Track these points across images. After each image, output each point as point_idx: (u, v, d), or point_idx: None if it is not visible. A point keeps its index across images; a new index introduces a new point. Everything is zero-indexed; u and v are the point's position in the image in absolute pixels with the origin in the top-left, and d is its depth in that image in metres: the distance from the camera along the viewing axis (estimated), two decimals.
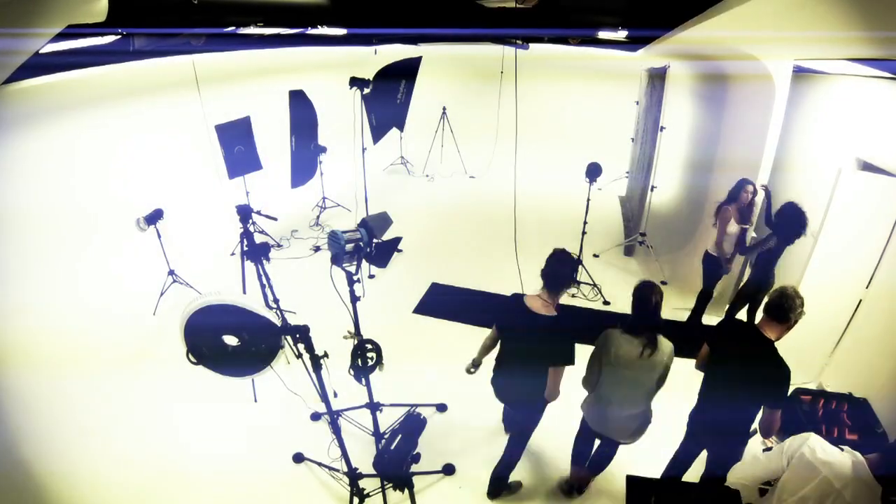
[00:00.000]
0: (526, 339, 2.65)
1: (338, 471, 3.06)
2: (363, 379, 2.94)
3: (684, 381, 3.72)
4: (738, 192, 4.30)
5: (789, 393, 2.44)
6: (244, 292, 3.96)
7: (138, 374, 4.06)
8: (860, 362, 3.53)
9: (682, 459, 2.87)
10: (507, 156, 5.41)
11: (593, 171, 4.93)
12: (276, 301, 4.01)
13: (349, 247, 2.55)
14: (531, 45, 6.57)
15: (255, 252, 3.73)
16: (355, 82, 5.28)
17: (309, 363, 2.34)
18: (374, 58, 7.36)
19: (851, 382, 3.33)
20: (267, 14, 3.72)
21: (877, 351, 3.41)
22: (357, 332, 2.80)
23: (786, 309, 2.30)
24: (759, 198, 4.42)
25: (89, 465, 3.27)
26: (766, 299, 2.42)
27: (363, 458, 3.23)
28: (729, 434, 2.56)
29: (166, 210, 4.76)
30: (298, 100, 6.36)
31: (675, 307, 5.03)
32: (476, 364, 3.09)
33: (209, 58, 5.35)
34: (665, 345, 2.61)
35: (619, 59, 7.47)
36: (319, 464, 3.25)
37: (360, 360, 2.84)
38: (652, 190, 6.09)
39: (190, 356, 2.16)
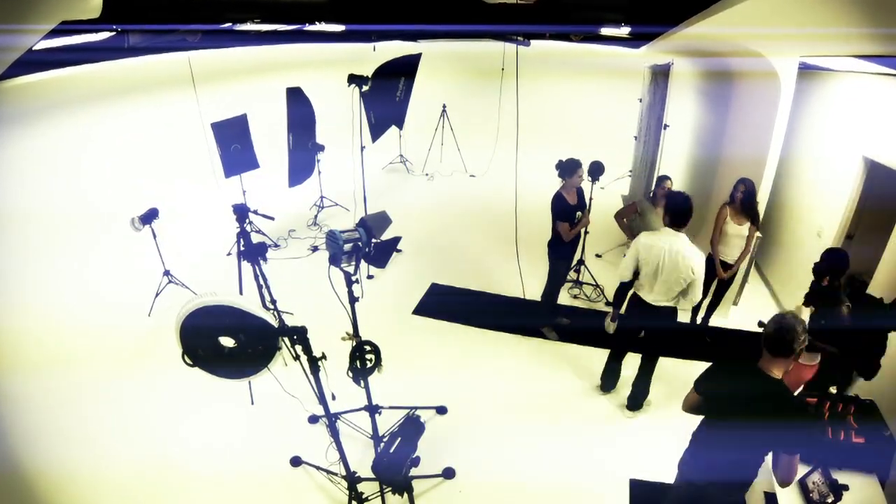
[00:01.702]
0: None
1: (336, 474, 3.02)
2: (362, 381, 2.92)
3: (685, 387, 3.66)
4: (734, 191, 4.22)
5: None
6: (241, 293, 3.91)
7: (133, 376, 4.01)
8: None
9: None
10: (508, 154, 5.35)
11: (596, 170, 4.87)
12: (273, 302, 3.97)
13: (347, 247, 2.51)
14: (532, 41, 6.51)
15: (252, 252, 3.69)
16: (354, 79, 5.23)
17: (307, 365, 2.31)
18: (372, 55, 7.30)
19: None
20: (264, 10, 3.67)
21: None
22: (356, 334, 2.76)
23: (788, 342, 2.07)
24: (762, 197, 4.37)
25: (84, 467, 3.22)
26: (763, 333, 2.18)
27: (362, 461, 3.20)
28: (729, 486, 2.32)
29: (162, 209, 4.71)
30: (296, 97, 6.30)
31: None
32: None
33: (205, 55, 5.29)
34: None
35: (621, 55, 7.42)
36: (317, 467, 3.21)
37: (358, 362, 2.82)
38: None
39: (185, 358, 2.12)
